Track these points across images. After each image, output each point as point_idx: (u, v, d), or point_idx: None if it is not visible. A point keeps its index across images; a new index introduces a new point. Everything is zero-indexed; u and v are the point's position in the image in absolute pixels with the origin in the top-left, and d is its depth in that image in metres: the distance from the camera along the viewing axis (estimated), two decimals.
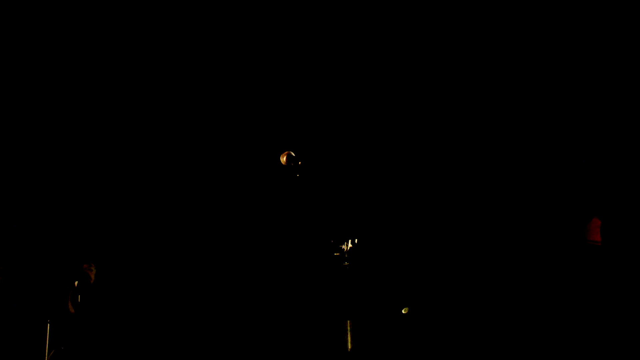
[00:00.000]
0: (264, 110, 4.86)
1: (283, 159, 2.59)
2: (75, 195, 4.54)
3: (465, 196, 2.57)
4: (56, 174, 4.50)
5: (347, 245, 2.39)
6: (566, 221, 4.30)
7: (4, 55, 4.39)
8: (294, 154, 2.64)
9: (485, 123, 4.38)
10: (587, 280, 4.17)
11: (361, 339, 2.35)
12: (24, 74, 4.46)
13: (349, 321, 2.34)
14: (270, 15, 4.68)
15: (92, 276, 4.06)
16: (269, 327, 4.88)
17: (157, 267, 4.77)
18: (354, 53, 4.61)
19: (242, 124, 4.89)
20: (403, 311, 2.34)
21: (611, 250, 4.10)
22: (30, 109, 4.50)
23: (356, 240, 2.43)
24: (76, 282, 3.97)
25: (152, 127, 4.80)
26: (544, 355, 4.22)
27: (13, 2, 4.35)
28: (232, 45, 4.79)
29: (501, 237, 4.30)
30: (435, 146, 2.59)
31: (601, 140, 4.32)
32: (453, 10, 4.41)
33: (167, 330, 4.73)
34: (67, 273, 4.01)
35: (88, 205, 4.58)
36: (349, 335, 2.32)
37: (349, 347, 2.32)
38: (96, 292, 4.16)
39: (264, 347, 4.77)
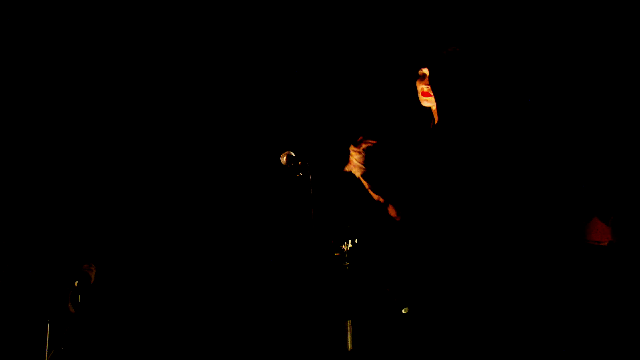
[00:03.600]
0: (264, 110, 4.86)
1: (283, 159, 2.58)
2: (75, 195, 4.54)
3: (465, 196, 2.57)
4: (56, 174, 4.50)
5: (347, 245, 2.39)
6: (566, 221, 4.30)
7: (4, 55, 4.39)
8: (294, 154, 2.64)
9: (484, 122, 4.37)
10: (588, 281, 4.16)
11: (361, 339, 2.35)
12: (24, 74, 4.46)
13: (349, 321, 2.33)
14: (270, 14, 4.68)
15: (92, 276, 4.06)
16: (268, 327, 4.88)
17: (157, 267, 4.77)
18: (354, 53, 4.61)
19: (242, 123, 4.89)
20: (403, 311, 2.33)
21: (619, 250, 4.10)
22: (30, 109, 4.50)
23: (356, 240, 2.43)
24: (76, 282, 3.97)
25: (152, 127, 4.80)
26: (544, 355, 4.21)
27: (13, 2, 4.35)
28: (232, 45, 4.79)
29: (501, 237, 4.30)
30: (435, 144, 2.59)
31: (603, 139, 4.31)
32: (454, 11, 4.41)
33: (167, 330, 4.73)
34: (67, 273, 4.01)
35: (88, 205, 4.58)
36: (349, 335, 2.31)
37: (349, 347, 2.31)
38: (96, 292, 4.16)
39: (264, 347, 4.77)
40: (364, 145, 2.67)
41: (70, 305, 3.93)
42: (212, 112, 4.89)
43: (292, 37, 4.71)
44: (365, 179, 2.70)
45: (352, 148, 2.70)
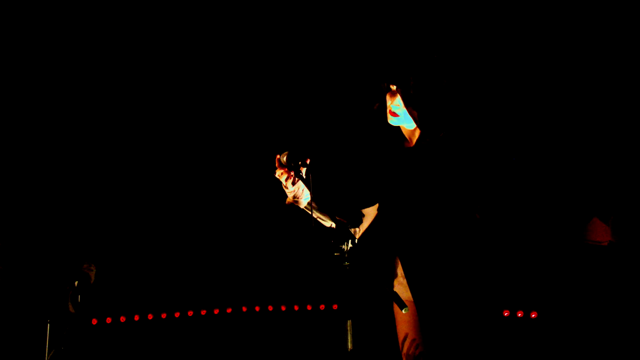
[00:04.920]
0: (264, 110, 4.86)
1: (283, 159, 2.57)
2: (75, 195, 4.54)
3: (464, 196, 2.57)
4: (56, 174, 4.50)
5: (347, 245, 2.38)
6: (566, 221, 4.29)
7: (4, 55, 4.39)
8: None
9: (484, 121, 4.37)
10: (588, 281, 4.16)
11: (361, 339, 2.35)
12: (24, 74, 4.46)
13: (349, 321, 2.33)
14: (271, 14, 4.68)
15: (92, 276, 4.06)
16: (269, 326, 4.88)
17: (157, 267, 4.77)
18: (355, 53, 4.61)
19: (243, 123, 4.89)
20: (403, 311, 2.33)
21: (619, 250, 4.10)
22: (30, 109, 4.50)
23: (356, 240, 2.42)
24: (76, 282, 3.97)
25: (152, 127, 4.80)
26: (544, 356, 4.21)
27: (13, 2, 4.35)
28: (233, 47, 4.79)
29: (501, 237, 4.30)
30: (435, 144, 2.58)
31: (603, 138, 4.31)
32: (451, 11, 4.41)
33: (167, 329, 4.73)
34: (67, 273, 4.01)
35: (88, 205, 4.58)
36: (349, 335, 2.31)
37: (349, 347, 2.31)
38: (96, 292, 4.16)
39: (265, 346, 4.77)
40: (289, 178, 2.57)
41: (70, 305, 3.93)
42: (212, 113, 4.89)
43: (293, 40, 4.72)
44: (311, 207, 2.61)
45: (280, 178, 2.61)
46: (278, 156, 2.56)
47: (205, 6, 4.60)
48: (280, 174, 2.55)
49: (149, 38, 4.66)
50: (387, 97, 2.62)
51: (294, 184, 2.56)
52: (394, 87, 2.59)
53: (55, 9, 4.41)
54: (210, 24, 4.67)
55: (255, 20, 4.64)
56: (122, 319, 4.60)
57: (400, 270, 2.68)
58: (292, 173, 2.53)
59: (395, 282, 2.67)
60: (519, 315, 4.28)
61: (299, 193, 2.60)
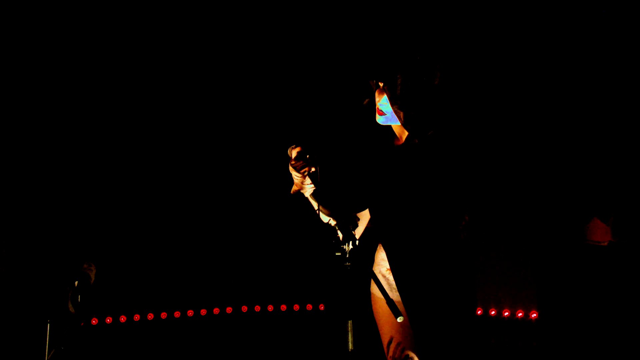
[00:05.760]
0: (270, 106, 4.86)
1: (294, 153, 2.57)
2: (75, 195, 4.54)
3: (464, 196, 2.56)
4: (56, 174, 4.50)
5: (348, 246, 2.38)
6: (566, 221, 4.30)
7: (4, 55, 4.39)
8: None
9: (484, 121, 4.38)
10: (589, 281, 4.17)
11: (362, 339, 2.35)
12: (24, 74, 4.46)
13: (350, 321, 2.33)
14: (275, 11, 4.68)
15: (92, 276, 4.06)
16: (268, 326, 4.88)
17: (157, 267, 4.77)
18: (359, 50, 4.62)
19: (248, 119, 4.89)
20: (398, 319, 2.33)
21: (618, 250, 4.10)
22: (30, 110, 4.50)
23: (357, 240, 2.42)
24: (76, 282, 3.97)
25: (153, 125, 4.81)
26: (544, 356, 4.22)
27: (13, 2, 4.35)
28: (237, 40, 4.79)
29: (501, 237, 4.31)
30: (436, 144, 2.58)
31: (603, 139, 4.32)
32: (452, 11, 4.42)
33: (167, 329, 4.73)
34: (67, 273, 4.01)
35: (88, 205, 4.58)
36: (350, 335, 2.31)
37: (350, 347, 2.31)
38: (96, 292, 4.17)
39: (264, 346, 4.78)
40: (305, 168, 2.55)
41: (70, 305, 3.93)
42: (217, 108, 4.89)
43: (299, 33, 4.72)
44: (315, 198, 2.59)
45: (292, 170, 2.58)
46: (296, 150, 2.56)
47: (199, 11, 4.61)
48: (298, 167, 2.55)
49: (154, 39, 4.66)
50: (376, 94, 2.60)
51: (305, 174, 2.58)
52: (381, 84, 2.57)
53: (55, 9, 4.41)
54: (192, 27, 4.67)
55: (242, 19, 4.64)
56: (122, 319, 4.60)
57: (380, 268, 2.68)
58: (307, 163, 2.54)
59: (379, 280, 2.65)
60: (519, 315, 4.28)
61: (307, 182, 2.62)
